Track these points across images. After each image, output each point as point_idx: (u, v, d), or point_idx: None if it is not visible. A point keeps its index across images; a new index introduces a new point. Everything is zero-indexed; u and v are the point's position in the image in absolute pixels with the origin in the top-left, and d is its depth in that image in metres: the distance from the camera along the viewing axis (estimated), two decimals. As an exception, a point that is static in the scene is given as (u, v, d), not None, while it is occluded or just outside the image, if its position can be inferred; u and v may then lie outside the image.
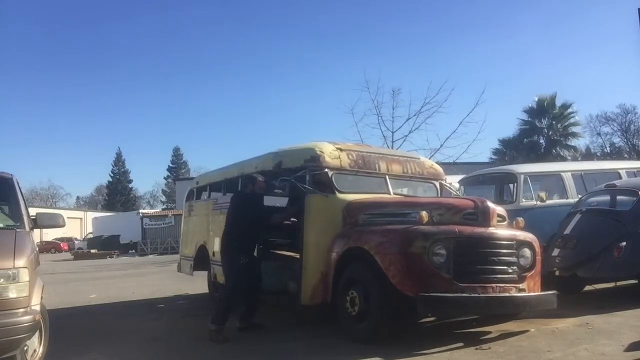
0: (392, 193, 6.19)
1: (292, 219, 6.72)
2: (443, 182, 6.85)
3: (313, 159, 5.89)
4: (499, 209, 5.32)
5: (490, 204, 5.20)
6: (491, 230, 5.04)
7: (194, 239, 8.74)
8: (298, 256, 5.92)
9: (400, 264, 4.78)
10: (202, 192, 9.00)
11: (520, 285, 5.06)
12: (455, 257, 4.80)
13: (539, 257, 5.32)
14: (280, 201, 8.01)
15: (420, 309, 4.67)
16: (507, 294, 4.92)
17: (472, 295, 4.72)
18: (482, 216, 5.08)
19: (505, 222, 5.35)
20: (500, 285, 4.92)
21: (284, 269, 6.35)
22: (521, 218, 5.52)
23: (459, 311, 4.99)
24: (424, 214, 5.02)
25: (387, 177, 6.26)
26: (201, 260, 8.23)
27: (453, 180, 10.71)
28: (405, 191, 6.81)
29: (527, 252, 5.20)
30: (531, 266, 5.21)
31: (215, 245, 7.55)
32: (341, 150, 6.11)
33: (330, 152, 5.99)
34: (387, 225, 5.30)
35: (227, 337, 5.56)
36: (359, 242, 5.25)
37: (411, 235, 4.86)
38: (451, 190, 7.12)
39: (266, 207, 6.42)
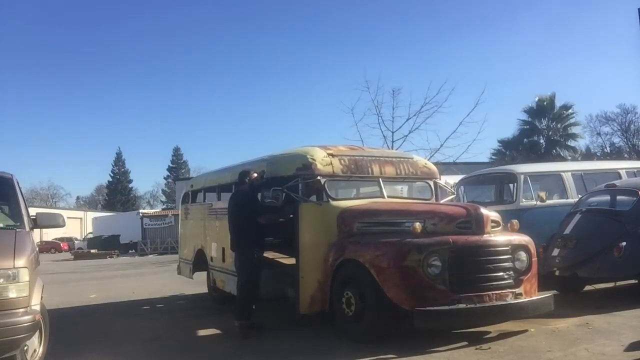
0: (386, 196, 6.15)
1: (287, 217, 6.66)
2: (437, 181, 6.83)
3: (305, 167, 5.84)
4: (493, 215, 5.26)
5: (483, 211, 5.16)
6: (485, 237, 5.02)
7: (191, 242, 8.75)
8: (294, 261, 5.92)
9: (396, 278, 4.79)
10: (197, 194, 8.98)
11: (517, 290, 5.06)
12: (450, 267, 4.81)
13: (534, 259, 5.31)
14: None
15: (418, 323, 4.67)
16: (504, 302, 4.92)
17: (469, 306, 4.74)
18: (475, 224, 5.05)
19: (499, 227, 5.30)
20: (497, 292, 4.93)
21: (282, 275, 6.35)
22: (516, 220, 5.51)
23: (457, 323, 4.99)
24: (417, 225, 5.01)
25: (380, 180, 6.22)
26: (200, 262, 8.24)
27: (453, 180, 10.73)
28: (400, 190, 6.78)
29: (522, 255, 5.20)
30: (527, 269, 5.21)
31: (213, 251, 7.54)
32: (333, 155, 6.04)
33: (321, 159, 5.93)
34: (382, 234, 5.31)
35: (249, 334, 5.64)
36: (354, 254, 5.26)
37: (405, 249, 4.85)
38: (446, 188, 7.09)
39: (259, 204, 6.41)
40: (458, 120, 17.78)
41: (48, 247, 40.73)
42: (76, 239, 46.95)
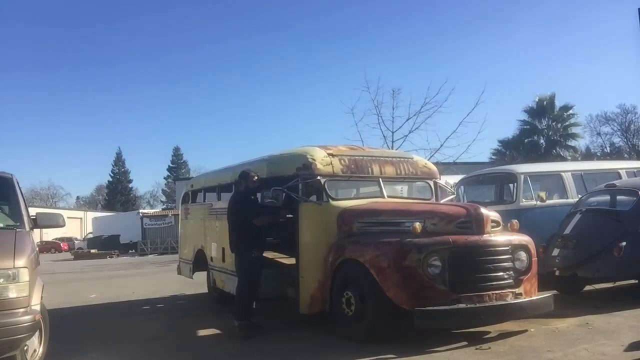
0: (386, 196, 6.14)
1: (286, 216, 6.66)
2: (437, 181, 6.83)
3: (305, 167, 5.84)
4: (493, 215, 5.25)
5: (483, 211, 5.15)
6: (485, 237, 5.02)
7: (191, 242, 8.75)
8: (294, 261, 5.91)
9: (396, 278, 4.79)
10: (197, 194, 8.98)
11: (517, 290, 5.06)
12: (450, 267, 4.81)
13: (534, 259, 5.31)
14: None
15: (418, 323, 4.67)
16: (504, 302, 4.92)
17: (469, 306, 4.75)
18: (475, 224, 5.05)
19: (499, 227, 5.30)
20: (497, 292, 4.93)
21: (282, 275, 6.35)
22: (516, 220, 5.51)
23: (457, 323, 4.98)
24: (417, 225, 5.01)
25: (380, 180, 6.21)
26: (200, 262, 8.24)
27: (453, 180, 10.73)
28: (400, 190, 6.78)
29: (522, 255, 5.20)
30: (527, 269, 5.21)
31: (213, 251, 7.53)
32: (333, 155, 6.03)
33: (322, 159, 5.93)
34: (382, 234, 5.31)
35: (249, 334, 5.64)
36: (353, 254, 5.26)
37: (405, 249, 4.85)
38: (446, 188, 7.09)
39: (258, 205, 6.41)
40: (458, 120, 17.83)
41: (48, 247, 40.72)
42: (76, 239, 46.95)
